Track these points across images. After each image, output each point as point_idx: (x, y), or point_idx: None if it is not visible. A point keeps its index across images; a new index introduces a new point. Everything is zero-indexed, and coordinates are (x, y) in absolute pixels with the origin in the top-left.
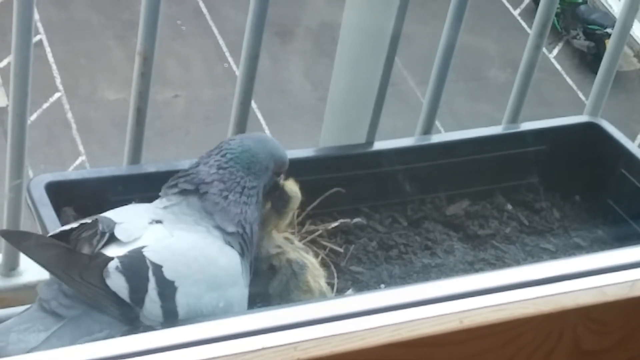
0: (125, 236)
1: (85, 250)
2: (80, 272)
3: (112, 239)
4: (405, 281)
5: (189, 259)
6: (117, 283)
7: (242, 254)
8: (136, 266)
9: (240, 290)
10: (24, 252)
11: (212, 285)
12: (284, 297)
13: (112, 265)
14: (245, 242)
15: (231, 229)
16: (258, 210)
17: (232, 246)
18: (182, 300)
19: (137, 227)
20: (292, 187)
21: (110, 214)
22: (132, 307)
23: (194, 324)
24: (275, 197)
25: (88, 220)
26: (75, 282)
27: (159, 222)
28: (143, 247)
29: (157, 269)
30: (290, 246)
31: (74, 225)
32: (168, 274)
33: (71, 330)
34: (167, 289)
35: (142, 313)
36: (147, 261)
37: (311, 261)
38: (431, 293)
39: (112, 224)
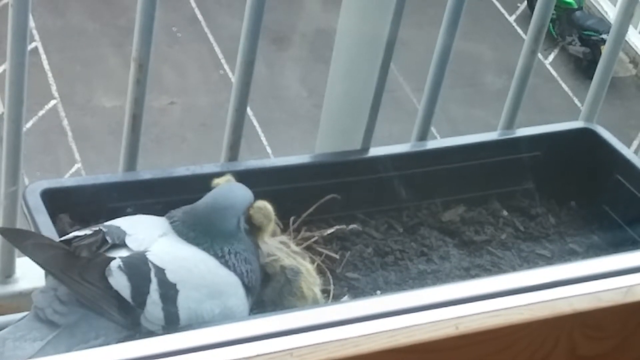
0: (136, 245)
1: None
2: (80, 272)
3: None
4: (401, 287)
5: (190, 265)
6: (119, 282)
7: (247, 290)
8: (139, 266)
9: (242, 301)
10: (22, 251)
11: (213, 292)
12: (278, 304)
13: (114, 264)
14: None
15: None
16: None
17: (228, 267)
18: (184, 303)
19: (148, 238)
20: (257, 212)
21: (122, 225)
22: (133, 309)
23: (190, 330)
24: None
25: (89, 231)
26: (74, 283)
27: (164, 234)
28: (145, 250)
29: (160, 271)
30: (285, 251)
31: (79, 233)
32: (170, 276)
33: (67, 338)
34: (169, 291)
35: (143, 315)
36: (150, 263)
37: (307, 267)
38: (427, 299)
39: (122, 235)
